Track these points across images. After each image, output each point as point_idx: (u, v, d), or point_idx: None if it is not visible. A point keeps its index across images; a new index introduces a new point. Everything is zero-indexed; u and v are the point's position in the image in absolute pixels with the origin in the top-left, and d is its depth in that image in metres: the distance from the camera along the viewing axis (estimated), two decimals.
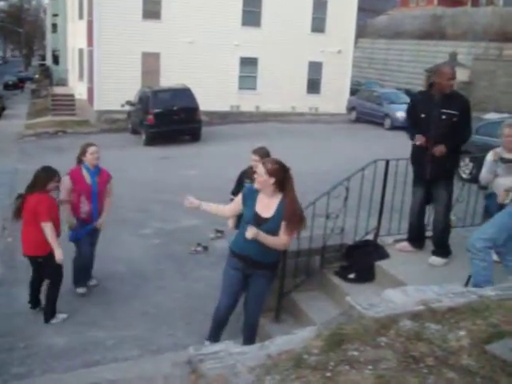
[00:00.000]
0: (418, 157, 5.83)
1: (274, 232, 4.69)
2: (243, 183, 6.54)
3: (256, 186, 4.81)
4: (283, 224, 4.68)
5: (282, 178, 4.70)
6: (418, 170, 5.87)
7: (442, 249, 5.92)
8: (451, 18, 39.11)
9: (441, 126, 5.59)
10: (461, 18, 38.53)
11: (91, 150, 6.95)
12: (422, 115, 5.72)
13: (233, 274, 5.04)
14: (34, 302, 6.59)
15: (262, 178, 4.69)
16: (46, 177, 6.22)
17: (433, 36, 38.35)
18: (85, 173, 6.85)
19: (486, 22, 36.02)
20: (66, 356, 5.64)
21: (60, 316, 6.39)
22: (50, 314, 6.33)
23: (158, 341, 5.93)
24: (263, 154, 6.45)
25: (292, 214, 4.66)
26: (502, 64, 32.63)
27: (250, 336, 5.15)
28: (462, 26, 37.20)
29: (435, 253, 5.91)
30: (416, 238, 6.18)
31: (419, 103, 5.97)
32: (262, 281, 4.99)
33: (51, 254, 6.08)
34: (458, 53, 33.64)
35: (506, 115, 16.97)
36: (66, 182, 6.75)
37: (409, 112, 6.18)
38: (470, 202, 6.70)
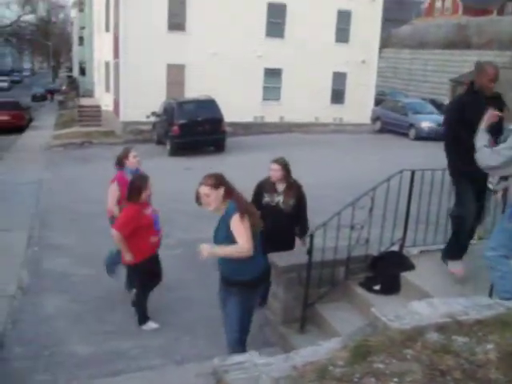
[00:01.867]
0: (472, 156, 4.88)
1: (230, 241, 4.52)
2: (261, 194, 6.54)
3: (210, 209, 4.65)
4: (233, 226, 4.48)
5: (226, 183, 4.64)
6: (474, 170, 5.03)
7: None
8: (476, 27, 38.81)
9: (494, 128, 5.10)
10: (486, 26, 38.21)
11: (133, 153, 7.04)
12: (472, 117, 5.07)
13: (219, 297, 5.04)
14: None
15: (212, 195, 4.57)
16: (139, 186, 6.12)
17: (458, 45, 38.09)
18: (130, 177, 6.72)
19: None
20: (90, 364, 5.67)
21: (151, 325, 6.43)
22: (140, 319, 6.44)
23: (182, 351, 5.93)
24: (283, 163, 6.47)
25: (244, 210, 4.53)
26: None
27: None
28: (488, 35, 36.88)
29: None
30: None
31: (468, 107, 5.36)
32: (232, 300, 4.80)
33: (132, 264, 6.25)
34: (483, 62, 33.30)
35: None
36: (113, 189, 6.83)
37: (455, 117, 5.53)
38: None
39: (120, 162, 7.04)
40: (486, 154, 4.51)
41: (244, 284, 4.72)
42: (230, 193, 4.63)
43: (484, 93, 5.32)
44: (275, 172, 6.41)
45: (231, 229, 4.48)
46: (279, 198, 6.43)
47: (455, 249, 5.67)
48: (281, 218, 6.35)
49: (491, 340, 3.18)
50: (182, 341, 6.16)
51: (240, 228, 4.45)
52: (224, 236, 4.55)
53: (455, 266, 5.61)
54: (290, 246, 6.42)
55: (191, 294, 7.42)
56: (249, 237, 4.45)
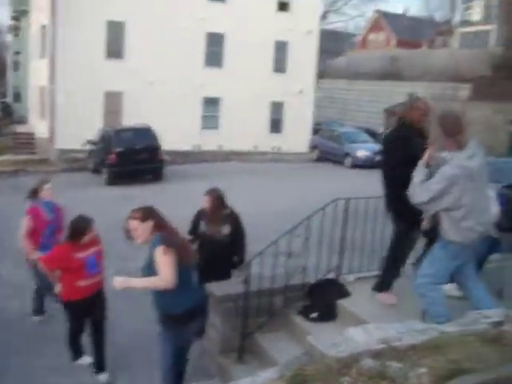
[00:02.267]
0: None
1: (154, 273, 4.42)
2: (199, 223, 6.57)
3: (138, 242, 4.59)
4: (156, 258, 4.37)
5: (155, 216, 4.60)
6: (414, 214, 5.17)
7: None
8: (408, 59, 40.31)
9: None
10: (417, 59, 39.75)
11: (48, 185, 6.94)
12: (414, 152, 5.07)
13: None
14: None
15: (139, 229, 4.52)
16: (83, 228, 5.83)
17: (391, 76, 39.37)
18: (43, 208, 6.81)
19: (442, 64, 37.24)
20: None
21: (86, 359, 6.18)
22: (71, 355, 6.17)
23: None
24: (216, 195, 6.50)
25: (170, 243, 4.41)
26: (457, 104, 33.62)
27: None
28: (419, 67, 38.34)
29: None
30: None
31: (408, 141, 5.32)
32: (165, 335, 4.75)
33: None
34: (415, 93, 34.54)
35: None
36: (24, 222, 6.70)
37: (400, 156, 5.34)
38: None
39: (34, 194, 6.94)
40: (417, 189, 4.61)
41: (175, 318, 4.61)
42: (160, 226, 4.56)
43: (415, 127, 5.43)
44: (206, 203, 6.48)
45: (155, 260, 4.39)
46: (212, 228, 6.46)
47: (386, 282, 5.80)
48: (215, 247, 6.36)
49: (424, 364, 3.24)
50: (117, 373, 5.99)
51: (162, 260, 4.34)
52: (148, 267, 4.47)
53: (386, 296, 5.75)
54: (227, 275, 6.41)
55: (127, 325, 7.24)
56: (170, 270, 4.33)
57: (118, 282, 4.39)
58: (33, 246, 6.76)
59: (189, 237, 6.67)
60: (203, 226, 6.52)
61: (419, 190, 4.59)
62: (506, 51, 34.47)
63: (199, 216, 6.64)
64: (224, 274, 6.33)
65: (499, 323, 3.81)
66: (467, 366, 3.22)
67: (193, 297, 4.68)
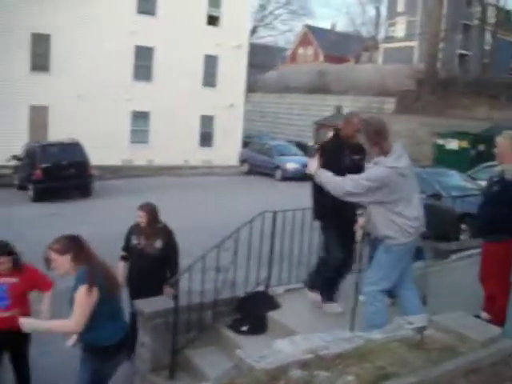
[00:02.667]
0: (343, 207, 5.31)
1: None
2: (131, 239, 6.50)
3: (59, 273, 4.38)
4: (76, 297, 4.14)
5: (77, 248, 4.32)
6: (345, 219, 5.53)
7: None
8: (335, 73, 41.32)
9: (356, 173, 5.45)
10: (344, 73, 40.81)
11: None
12: (336, 165, 5.28)
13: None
14: None
15: (58, 261, 4.27)
16: None
17: (319, 90, 40.21)
18: None
19: (368, 78, 38.35)
20: None
21: None
22: None
23: None
24: (150, 209, 6.48)
25: (93, 281, 4.16)
26: (382, 117, 34.56)
27: None
28: (346, 82, 39.34)
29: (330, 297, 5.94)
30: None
31: (331, 153, 5.56)
32: (87, 366, 4.48)
33: None
34: (342, 106, 35.40)
35: None
36: None
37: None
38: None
39: None
40: (338, 181, 4.70)
41: (101, 350, 4.39)
42: (80, 259, 4.28)
43: (348, 141, 5.64)
44: (141, 218, 6.43)
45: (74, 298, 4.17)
46: (144, 241, 6.42)
47: (317, 280, 5.91)
48: (147, 262, 6.31)
49: (351, 372, 3.29)
50: None
51: (80, 301, 4.13)
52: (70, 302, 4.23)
53: (315, 296, 5.88)
54: (158, 290, 6.33)
55: (54, 350, 6.97)
56: (84, 314, 4.13)
57: (24, 324, 4.17)
58: None
59: (123, 253, 6.59)
60: (134, 240, 6.46)
61: (341, 181, 4.66)
62: (428, 67, 35.87)
63: (131, 231, 6.58)
64: (156, 289, 6.25)
65: (423, 328, 3.92)
66: (393, 371, 3.29)
67: (121, 328, 4.52)
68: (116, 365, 4.59)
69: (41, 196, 19.02)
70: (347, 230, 5.57)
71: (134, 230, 6.55)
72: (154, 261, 6.33)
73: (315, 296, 5.94)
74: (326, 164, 5.38)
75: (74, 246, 4.33)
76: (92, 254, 4.40)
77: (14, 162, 21.64)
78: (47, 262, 4.36)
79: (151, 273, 6.29)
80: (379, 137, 4.68)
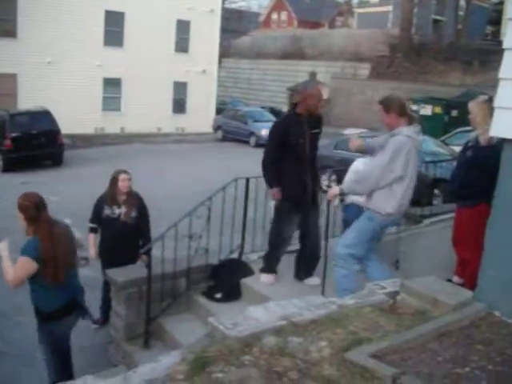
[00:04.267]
0: (297, 181, 5.53)
1: None
2: (102, 207, 6.39)
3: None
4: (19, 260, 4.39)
5: (32, 215, 4.47)
6: (298, 194, 5.57)
7: (314, 268, 5.84)
8: (310, 39, 40.99)
9: (313, 148, 5.60)
10: (318, 39, 40.50)
11: None
12: (296, 140, 5.47)
13: None
14: None
15: (18, 216, 4.50)
16: None
17: (293, 56, 39.94)
18: None
19: (342, 43, 38.15)
20: None
21: None
22: None
23: (22, 381, 5.52)
24: (128, 176, 6.38)
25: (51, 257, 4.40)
26: (357, 82, 34.62)
27: None
28: (320, 47, 39.10)
29: (310, 274, 5.83)
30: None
31: (291, 128, 5.55)
32: (39, 333, 4.77)
33: None
34: (317, 72, 35.22)
35: (363, 130, 17.93)
36: None
37: (274, 137, 5.69)
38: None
39: None
40: (362, 180, 4.84)
41: (44, 315, 4.62)
42: (32, 224, 4.46)
43: (311, 112, 5.56)
44: (125, 182, 6.30)
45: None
46: (120, 211, 6.32)
47: (269, 262, 5.89)
48: (123, 231, 6.27)
49: (324, 337, 3.31)
50: (21, 371, 5.72)
51: (18, 267, 4.37)
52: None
53: (267, 278, 5.83)
54: (132, 259, 6.28)
55: (27, 319, 6.93)
56: (20, 279, 4.39)
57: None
58: None
59: (91, 225, 6.50)
60: (107, 210, 6.35)
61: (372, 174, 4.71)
62: (402, 32, 35.76)
63: (102, 199, 6.46)
64: (131, 258, 6.21)
65: (395, 293, 3.94)
66: (365, 336, 3.31)
67: (63, 296, 4.63)
68: (66, 326, 4.76)
69: (11, 166, 18.70)
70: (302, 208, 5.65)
71: (105, 199, 6.43)
72: (129, 229, 6.29)
73: (268, 278, 5.88)
74: (289, 144, 5.49)
75: (31, 208, 4.45)
76: (47, 224, 4.49)
77: None
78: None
79: (126, 242, 6.27)
80: (406, 109, 4.77)
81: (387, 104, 4.77)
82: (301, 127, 5.52)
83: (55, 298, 4.53)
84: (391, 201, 4.67)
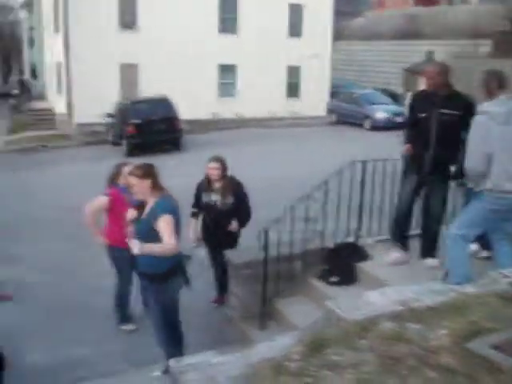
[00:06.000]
0: (419, 149, 5.49)
1: (144, 233, 4.60)
2: (200, 194, 6.54)
3: (137, 197, 4.78)
4: (160, 226, 4.53)
5: (154, 176, 4.74)
6: (416, 159, 5.52)
7: (435, 250, 5.66)
8: (427, 17, 39.44)
9: (441, 127, 5.37)
10: (436, 16, 38.87)
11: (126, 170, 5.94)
12: (422, 115, 5.45)
13: (143, 295, 5.24)
14: None
15: (137, 185, 4.68)
16: None
17: (409, 36, 38.63)
18: (125, 195, 5.78)
19: (462, 20, 36.38)
20: (51, 374, 5.54)
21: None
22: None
23: (142, 353, 5.82)
24: (221, 161, 6.46)
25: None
26: (479, 61, 32.93)
27: (166, 351, 5.03)
28: (438, 25, 37.52)
29: (429, 254, 5.67)
30: (403, 239, 5.84)
31: (417, 103, 5.66)
32: (153, 295, 4.93)
33: None
34: (434, 51, 33.89)
35: None
36: (102, 200, 6.15)
37: (408, 112, 5.86)
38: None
39: (112, 181, 6.30)
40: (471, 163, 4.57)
41: (161, 276, 4.79)
42: (156, 186, 4.71)
43: (436, 90, 5.42)
44: (213, 170, 6.39)
45: (157, 227, 4.53)
46: (216, 198, 6.43)
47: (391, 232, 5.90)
48: (220, 217, 6.41)
49: (443, 325, 3.22)
50: (140, 343, 6.05)
51: (167, 228, 4.51)
52: (147, 230, 4.59)
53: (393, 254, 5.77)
54: (231, 242, 6.46)
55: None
56: (174, 234, 4.54)
57: (136, 245, 4.43)
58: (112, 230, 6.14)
59: (193, 209, 6.66)
60: (205, 197, 6.49)
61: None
62: None
63: (199, 187, 6.62)
64: (227, 242, 6.42)
65: None
66: (487, 326, 3.20)
67: (175, 257, 4.77)
68: (177, 285, 4.96)
69: (133, 151, 19.71)
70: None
71: (202, 186, 6.56)
72: (226, 216, 6.42)
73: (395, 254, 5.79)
74: (413, 117, 5.48)
75: (153, 173, 4.76)
76: (162, 184, 4.81)
77: (107, 120, 22.45)
78: (130, 186, 4.80)
79: (223, 226, 6.44)
80: (497, 85, 4.74)
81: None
82: (426, 104, 5.47)
83: (167, 259, 4.66)
84: (487, 176, 4.38)
